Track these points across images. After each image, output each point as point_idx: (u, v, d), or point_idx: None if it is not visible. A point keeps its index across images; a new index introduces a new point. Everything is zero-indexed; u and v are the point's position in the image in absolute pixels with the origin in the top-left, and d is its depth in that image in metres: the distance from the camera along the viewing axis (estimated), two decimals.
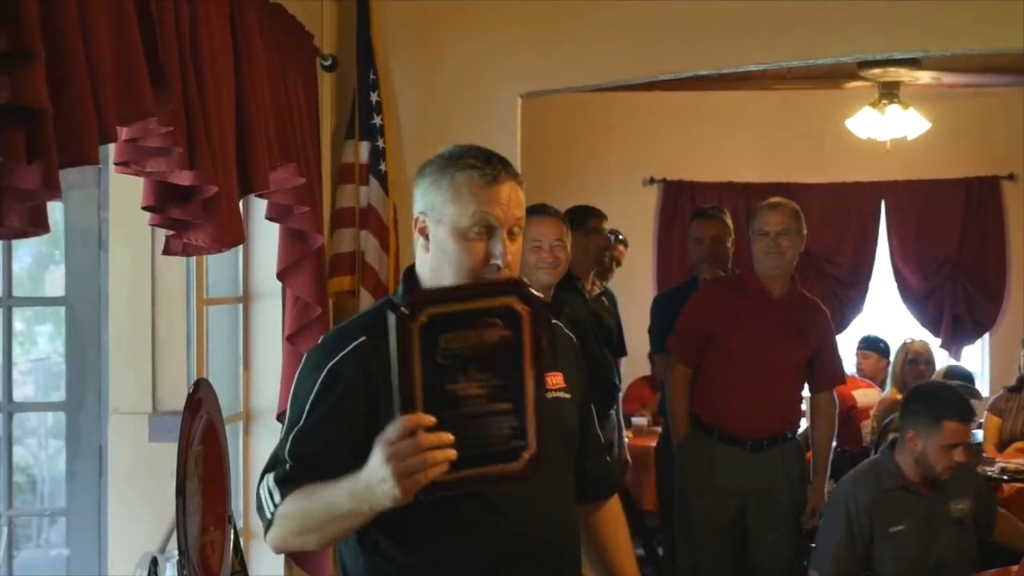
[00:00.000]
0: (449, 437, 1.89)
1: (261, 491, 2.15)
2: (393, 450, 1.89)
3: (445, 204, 2.21)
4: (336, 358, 2.19)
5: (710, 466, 4.76)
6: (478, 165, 2.20)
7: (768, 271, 4.74)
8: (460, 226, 2.20)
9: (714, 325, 4.81)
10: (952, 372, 6.84)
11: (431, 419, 1.89)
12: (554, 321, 2.50)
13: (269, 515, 2.13)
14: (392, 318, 1.90)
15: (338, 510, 2.05)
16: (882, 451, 4.25)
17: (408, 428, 1.89)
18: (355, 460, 2.01)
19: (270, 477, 2.14)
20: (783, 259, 4.71)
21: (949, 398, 4.18)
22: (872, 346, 7.37)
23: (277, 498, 2.11)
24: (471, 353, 1.93)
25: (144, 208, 2.80)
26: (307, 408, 2.17)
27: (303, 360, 2.27)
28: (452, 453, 1.89)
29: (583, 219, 5.20)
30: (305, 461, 2.13)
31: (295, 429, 2.17)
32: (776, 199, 4.85)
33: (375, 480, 1.92)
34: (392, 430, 1.89)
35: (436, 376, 1.91)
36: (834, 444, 6.40)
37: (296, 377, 2.25)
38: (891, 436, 4.39)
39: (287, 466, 2.13)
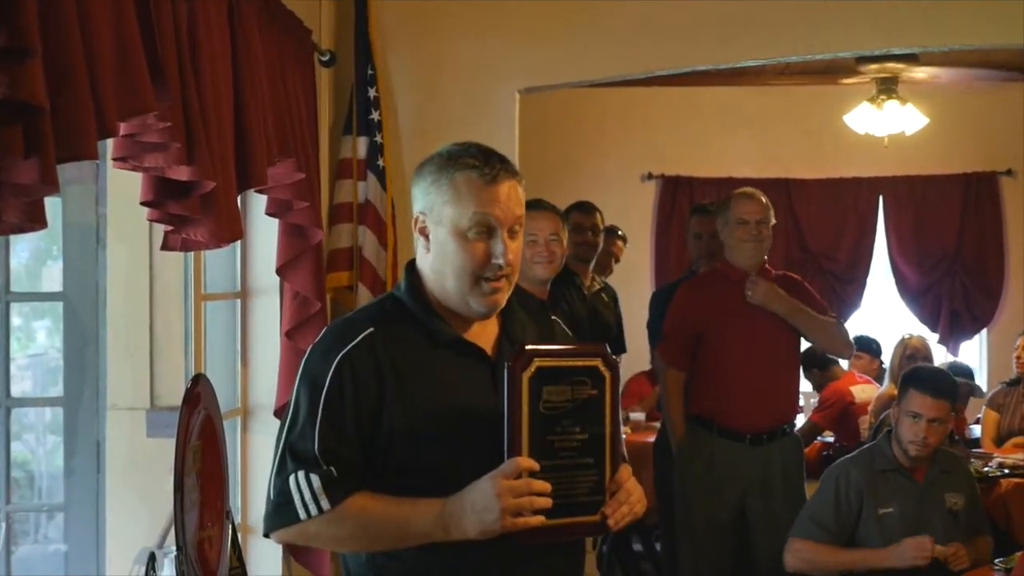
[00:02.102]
0: (549, 487, 2.08)
1: (292, 487, 2.14)
2: (509, 486, 2.04)
3: (445, 205, 2.21)
4: (346, 348, 2.19)
5: (709, 462, 4.77)
6: (477, 164, 2.20)
7: (748, 260, 4.77)
8: (460, 227, 2.20)
9: (700, 325, 4.83)
10: (952, 369, 6.84)
11: (537, 466, 2.08)
12: (553, 317, 2.51)
13: (305, 515, 2.13)
14: (506, 365, 2.12)
15: (412, 530, 2.13)
16: (881, 437, 4.27)
17: (523, 469, 2.06)
18: (367, 451, 2.14)
19: (314, 478, 2.13)
20: (762, 247, 4.78)
21: (923, 371, 4.29)
22: (864, 347, 7.37)
23: (325, 503, 2.13)
24: (567, 408, 2.14)
25: (142, 203, 2.80)
26: (323, 400, 2.17)
27: (309, 351, 2.26)
28: (549, 502, 2.07)
29: (565, 213, 5.20)
30: (341, 461, 2.15)
31: (317, 423, 2.17)
32: (748, 189, 4.90)
33: (478, 508, 2.05)
34: (508, 467, 2.05)
35: (539, 425, 2.10)
36: (832, 439, 6.44)
37: (303, 367, 2.25)
38: (887, 430, 4.38)
39: (331, 469, 2.14)
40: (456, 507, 2.09)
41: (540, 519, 2.06)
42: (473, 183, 2.20)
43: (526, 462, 2.07)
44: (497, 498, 2.04)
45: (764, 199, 4.80)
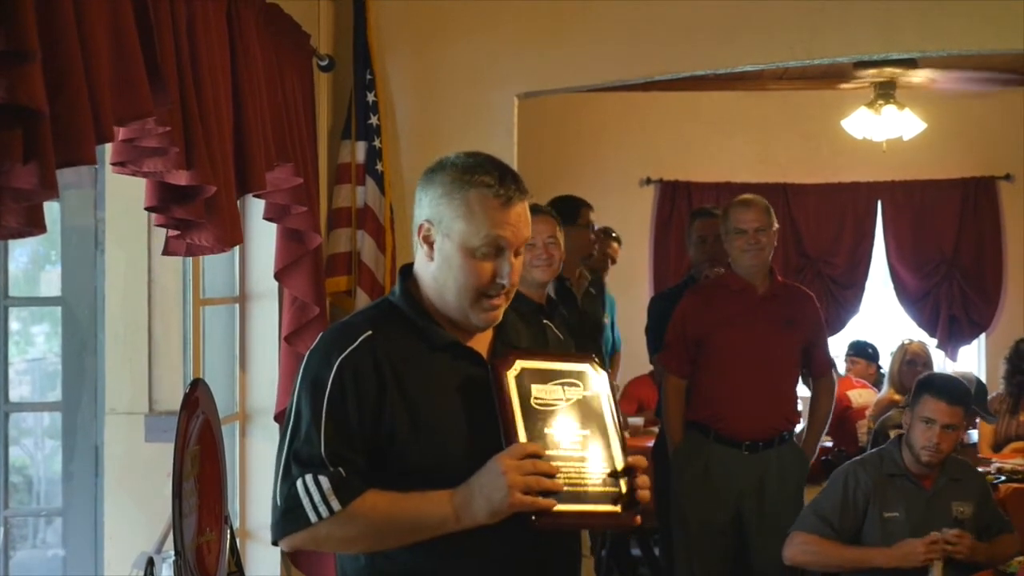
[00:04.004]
0: (557, 469, 2.09)
1: (300, 491, 2.14)
2: (515, 464, 2.06)
3: (456, 220, 2.22)
4: (346, 352, 2.20)
5: (706, 469, 4.77)
6: (492, 184, 2.21)
7: (747, 269, 4.76)
8: (470, 245, 2.21)
9: (702, 332, 4.82)
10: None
11: (543, 449, 2.10)
12: (545, 322, 2.53)
13: (315, 517, 2.13)
14: (490, 365, 2.19)
15: (423, 522, 2.14)
16: (890, 441, 4.27)
17: (527, 451, 2.08)
18: (370, 453, 2.15)
19: (323, 480, 2.13)
20: (761, 255, 4.75)
21: (938, 378, 4.30)
22: (861, 352, 7.38)
23: (335, 504, 2.12)
24: (560, 405, 2.19)
25: (147, 209, 2.80)
26: (325, 403, 2.17)
27: (308, 355, 2.27)
28: (560, 484, 2.09)
29: (575, 211, 5.16)
30: (348, 462, 2.15)
31: (321, 425, 2.16)
32: (747, 196, 4.87)
33: (485, 489, 2.07)
34: (514, 449, 2.08)
35: (534, 417, 2.14)
36: (830, 444, 6.44)
37: (303, 372, 2.25)
38: (894, 433, 4.38)
39: (339, 470, 2.14)
40: (465, 493, 2.10)
41: (551, 501, 2.07)
42: (488, 203, 2.20)
43: (531, 445, 2.09)
44: (503, 475, 2.05)
45: (763, 205, 4.77)
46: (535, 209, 4.15)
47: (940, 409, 4.04)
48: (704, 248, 5.42)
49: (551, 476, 2.08)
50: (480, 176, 2.22)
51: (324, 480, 2.13)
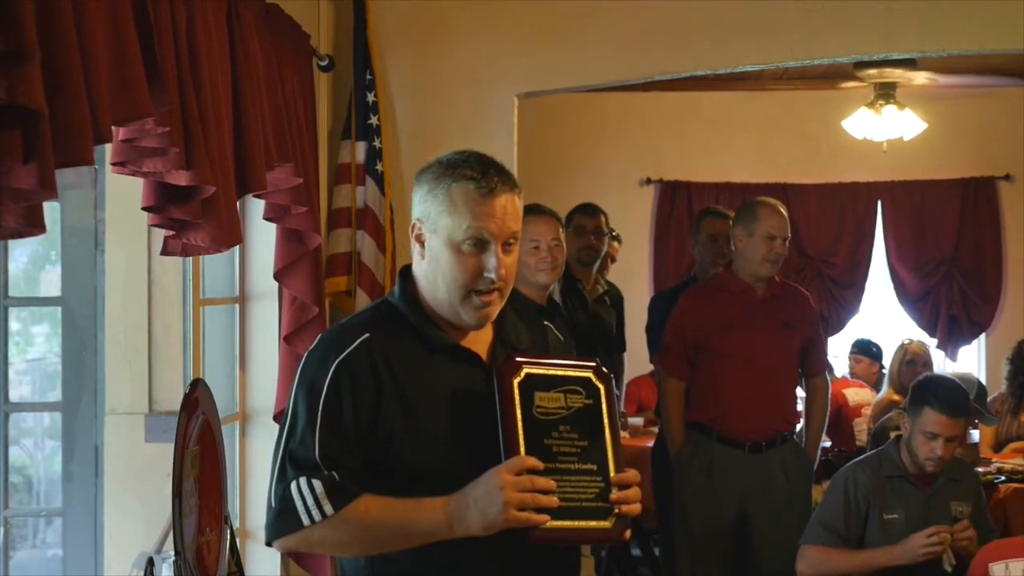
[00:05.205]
0: (554, 485, 2.08)
1: (294, 493, 2.14)
2: (512, 480, 2.04)
3: (440, 215, 2.21)
4: (343, 355, 2.19)
5: (709, 469, 4.76)
6: (475, 176, 2.20)
7: (766, 274, 4.74)
8: (454, 239, 2.20)
9: (701, 334, 4.80)
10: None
11: (541, 464, 2.08)
12: (546, 323, 2.52)
13: (308, 521, 2.12)
14: (495, 371, 2.17)
15: (416, 529, 2.13)
16: (889, 442, 4.26)
17: (526, 466, 2.06)
18: (366, 456, 2.14)
19: (316, 484, 2.13)
20: (779, 264, 4.75)
21: (939, 388, 4.13)
22: (864, 350, 7.38)
23: (328, 508, 2.12)
24: (562, 414, 2.17)
25: (144, 208, 2.80)
26: (321, 406, 2.17)
27: (305, 357, 2.26)
28: (556, 501, 2.07)
29: (569, 216, 5.16)
30: (342, 465, 2.15)
31: (316, 428, 2.16)
32: (774, 201, 4.84)
33: (481, 502, 2.05)
34: (513, 462, 2.06)
35: (534, 428, 2.12)
36: (829, 444, 6.44)
37: (300, 374, 2.24)
38: (893, 435, 4.37)
39: (332, 474, 2.14)
40: (459, 502, 2.09)
41: (545, 517, 2.06)
42: (469, 195, 2.19)
43: (530, 460, 2.08)
44: (500, 490, 2.04)
45: (786, 214, 4.76)
46: (539, 210, 4.18)
47: (942, 423, 4.01)
48: (714, 247, 5.35)
49: (548, 492, 2.07)
50: (463, 170, 2.21)
51: (317, 484, 2.13)
